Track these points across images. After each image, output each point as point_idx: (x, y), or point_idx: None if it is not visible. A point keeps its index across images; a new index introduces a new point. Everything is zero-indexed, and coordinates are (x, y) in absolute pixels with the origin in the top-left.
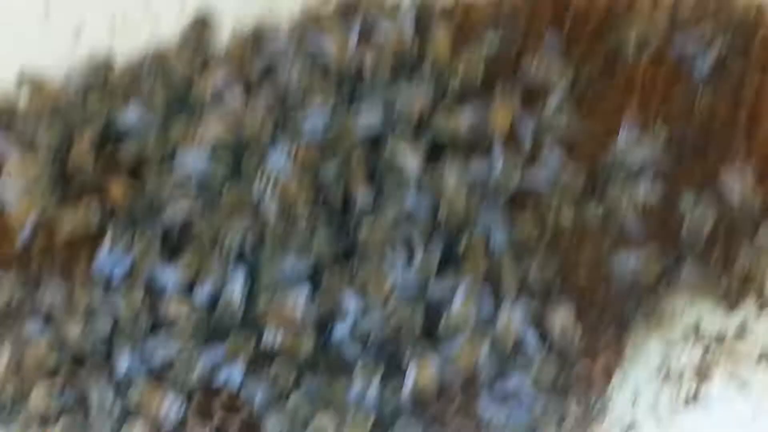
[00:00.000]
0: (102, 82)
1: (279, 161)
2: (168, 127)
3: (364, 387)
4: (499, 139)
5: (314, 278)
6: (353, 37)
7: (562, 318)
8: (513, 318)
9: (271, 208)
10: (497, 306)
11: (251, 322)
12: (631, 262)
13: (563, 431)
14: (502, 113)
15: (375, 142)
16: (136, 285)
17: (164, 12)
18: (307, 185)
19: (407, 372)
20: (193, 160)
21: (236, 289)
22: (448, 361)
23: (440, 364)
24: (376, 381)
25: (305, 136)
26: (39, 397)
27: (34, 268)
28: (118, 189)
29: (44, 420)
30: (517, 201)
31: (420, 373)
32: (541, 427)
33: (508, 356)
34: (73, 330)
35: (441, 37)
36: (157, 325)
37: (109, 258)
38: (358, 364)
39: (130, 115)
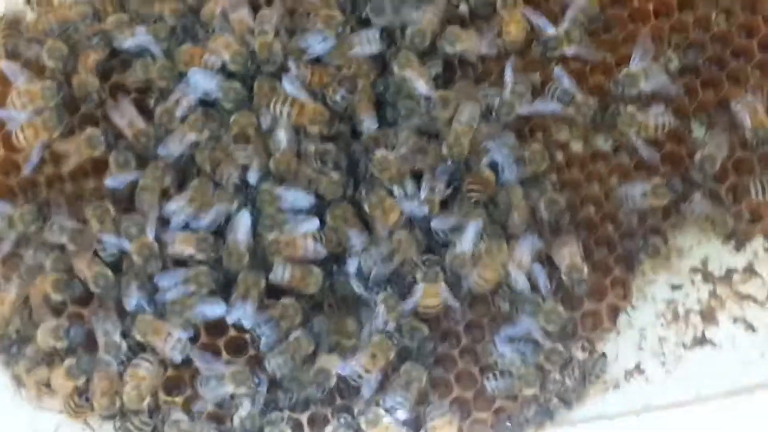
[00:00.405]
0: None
1: (293, 85)
2: (174, 52)
3: (386, 317)
4: (512, 50)
5: (320, 213)
6: None
7: (570, 255)
8: (522, 255)
9: (280, 135)
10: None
11: (258, 259)
12: (639, 192)
13: (568, 374)
14: (514, 25)
15: (385, 66)
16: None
17: None
18: (321, 110)
19: (414, 290)
20: (203, 79)
21: (241, 225)
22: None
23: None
24: (398, 308)
25: (310, 56)
26: (46, 334)
27: (42, 198)
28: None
29: (51, 357)
30: (527, 132)
31: (427, 291)
32: (547, 369)
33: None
34: (82, 264)
35: None
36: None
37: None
38: (380, 296)
39: (137, 38)
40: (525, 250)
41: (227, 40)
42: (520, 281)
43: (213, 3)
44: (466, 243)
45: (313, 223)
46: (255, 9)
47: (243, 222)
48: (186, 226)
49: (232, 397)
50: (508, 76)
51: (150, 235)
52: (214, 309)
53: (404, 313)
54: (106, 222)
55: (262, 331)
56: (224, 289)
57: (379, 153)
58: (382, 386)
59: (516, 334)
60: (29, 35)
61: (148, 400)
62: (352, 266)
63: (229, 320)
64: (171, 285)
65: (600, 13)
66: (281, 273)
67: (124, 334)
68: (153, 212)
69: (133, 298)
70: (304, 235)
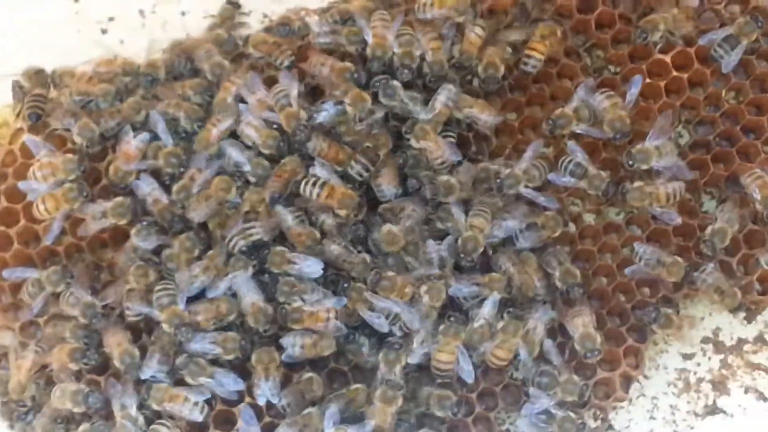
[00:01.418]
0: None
1: (325, 168)
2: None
3: (385, 372)
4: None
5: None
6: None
7: (583, 325)
8: (538, 329)
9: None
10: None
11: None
12: (652, 260)
13: None
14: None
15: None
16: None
17: (194, 7)
18: (350, 194)
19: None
20: (236, 153)
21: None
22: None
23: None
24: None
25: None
26: (65, 397)
27: (62, 265)
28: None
29: (67, 421)
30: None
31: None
32: None
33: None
34: (112, 340)
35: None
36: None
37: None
38: (381, 354)
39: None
40: (541, 325)
41: (255, 123)
42: (530, 359)
43: (224, 92)
44: (485, 313)
45: (340, 302)
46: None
47: (243, 283)
48: (202, 293)
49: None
50: (529, 153)
51: (181, 305)
52: (234, 384)
53: (419, 357)
54: (140, 284)
55: (285, 404)
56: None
57: (386, 227)
58: None
59: (535, 411)
60: (61, 108)
61: None
62: (365, 344)
63: (260, 401)
64: (198, 341)
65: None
66: (295, 347)
67: (140, 405)
68: (184, 283)
69: (151, 369)
70: (327, 309)
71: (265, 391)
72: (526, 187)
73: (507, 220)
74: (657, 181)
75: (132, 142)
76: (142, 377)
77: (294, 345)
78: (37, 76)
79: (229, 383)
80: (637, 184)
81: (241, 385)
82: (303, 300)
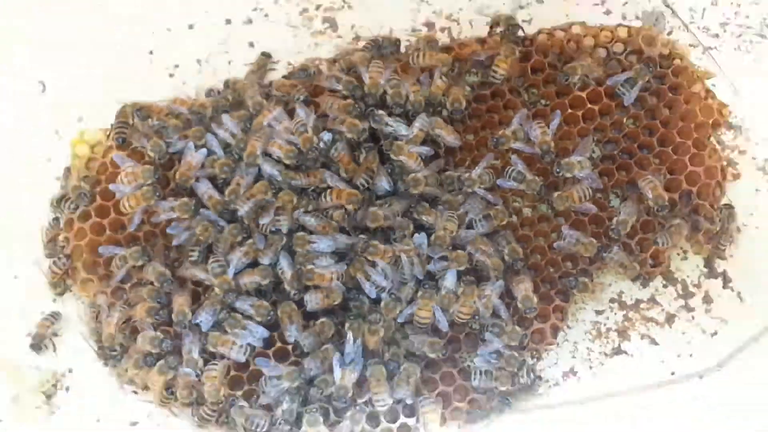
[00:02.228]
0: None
1: (332, 178)
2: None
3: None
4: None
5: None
6: (387, 73)
7: (524, 290)
8: (492, 295)
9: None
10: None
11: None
12: (573, 240)
13: (522, 375)
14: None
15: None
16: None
17: (237, 58)
18: (354, 193)
19: (414, 302)
20: (270, 168)
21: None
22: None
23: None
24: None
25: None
26: (145, 342)
27: (142, 246)
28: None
29: (146, 360)
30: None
31: (422, 305)
32: (505, 374)
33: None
34: (175, 301)
35: (438, 83)
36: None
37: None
38: (382, 303)
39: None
40: (493, 291)
41: (279, 142)
42: (486, 314)
43: (261, 116)
44: (449, 282)
45: (341, 268)
46: (290, 113)
47: (284, 261)
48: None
49: (287, 391)
50: (483, 163)
51: (230, 275)
52: (262, 333)
53: (405, 317)
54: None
55: (306, 343)
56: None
57: (372, 209)
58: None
59: (488, 351)
60: (138, 132)
61: (222, 392)
62: (365, 301)
63: (290, 341)
64: (239, 302)
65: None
66: (312, 301)
67: (202, 350)
68: (234, 258)
69: (201, 318)
70: (332, 272)
71: (292, 332)
72: (480, 187)
73: (470, 229)
74: (571, 187)
75: (195, 156)
76: (194, 322)
77: (311, 300)
78: (123, 109)
79: (258, 332)
80: (556, 194)
81: (266, 334)
82: (314, 265)
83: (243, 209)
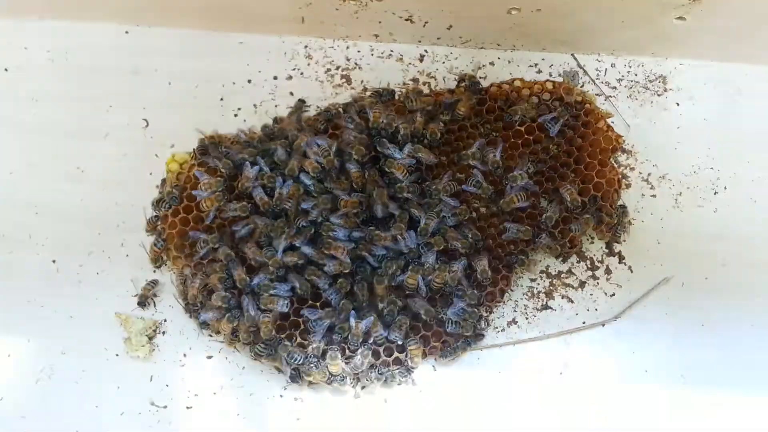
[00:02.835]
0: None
1: (339, 190)
2: (285, 165)
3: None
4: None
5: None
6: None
7: (482, 265)
8: (458, 270)
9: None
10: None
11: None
12: (515, 230)
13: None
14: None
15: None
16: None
17: (282, 103)
18: (356, 201)
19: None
20: (306, 180)
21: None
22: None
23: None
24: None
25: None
26: (218, 300)
27: (218, 233)
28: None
29: (220, 312)
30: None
31: (410, 275)
32: (469, 324)
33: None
34: (235, 274)
35: (418, 121)
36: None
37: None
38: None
39: (276, 155)
40: (459, 267)
41: (311, 161)
42: (453, 283)
43: (299, 141)
44: (429, 259)
45: (350, 245)
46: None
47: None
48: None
49: (331, 328)
50: (445, 178)
51: (279, 255)
52: (287, 290)
53: (398, 282)
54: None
55: (333, 298)
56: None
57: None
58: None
59: (456, 309)
60: (210, 156)
61: (273, 332)
62: (374, 263)
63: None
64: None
65: (493, 144)
66: (330, 266)
67: (257, 306)
68: (281, 244)
69: (257, 280)
70: (343, 247)
71: (321, 284)
72: (443, 195)
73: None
74: (510, 193)
75: (250, 171)
76: (252, 283)
77: (330, 266)
78: (203, 140)
79: (285, 289)
80: (502, 200)
81: (291, 292)
82: (333, 239)
83: (287, 207)
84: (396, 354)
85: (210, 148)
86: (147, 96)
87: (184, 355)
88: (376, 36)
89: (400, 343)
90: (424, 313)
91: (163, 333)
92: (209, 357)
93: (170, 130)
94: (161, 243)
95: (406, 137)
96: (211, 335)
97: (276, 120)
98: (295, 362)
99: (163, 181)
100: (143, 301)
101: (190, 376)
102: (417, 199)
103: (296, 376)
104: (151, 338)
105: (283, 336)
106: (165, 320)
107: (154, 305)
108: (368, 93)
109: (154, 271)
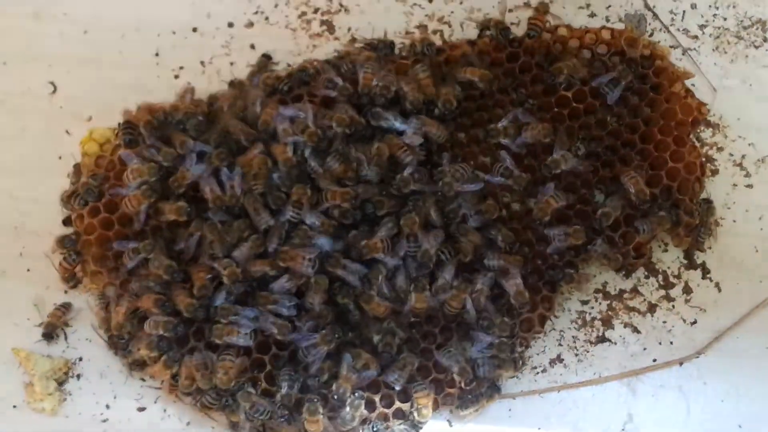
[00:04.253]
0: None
1: (326, 182)
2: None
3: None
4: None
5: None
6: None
7: (516, 285)
8: (484, 289)
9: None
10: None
11: None
12: (561, 236)
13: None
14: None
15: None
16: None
17: (239, 59)
18: (347, 191)
19: (409, 297)
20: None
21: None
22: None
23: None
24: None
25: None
26: (158, 327)
27: (152, 239)
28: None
29: (159, 345)
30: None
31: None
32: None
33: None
34: (177, 297)
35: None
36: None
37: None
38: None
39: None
40: (484, 283)
41: (281, 147)
42: (471, 311)
43: (265, 115)
44: (447, 275)
45: (312, 252)
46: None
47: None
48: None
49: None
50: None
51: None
52: (250, 311)
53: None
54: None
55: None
56: None
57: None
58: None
59: (481, 347)
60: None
61: (233, 382)
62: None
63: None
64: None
65: (531, 115)
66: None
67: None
68: (243, 250)
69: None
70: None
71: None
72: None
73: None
74: (544, 195)
75: (190, 167)
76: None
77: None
78: (129, 112)
79: (248, 313)
80: (534, 206)
81: (254, 313)
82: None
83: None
84: (397, 404)
85: (143, 126)
86: (53, 50)
87: (107, 406)
88: None
89: (397, 388)
90: (458, 372)
91: (78, 376)
92: (141, 409)
93: (86, 98)
94: (74, 256)
95: (415, 105)
96: (143, 379)
97: (232, 83)
98: (260, 417)
99: (77, 167)
100: (50, 332)
101: None
102: (430, 188)
103: None
104: (61, 383)
105: (242, 380)
106: (80, 359)
107: (66, 338)
108: (358, 46)
109: (66, 292)
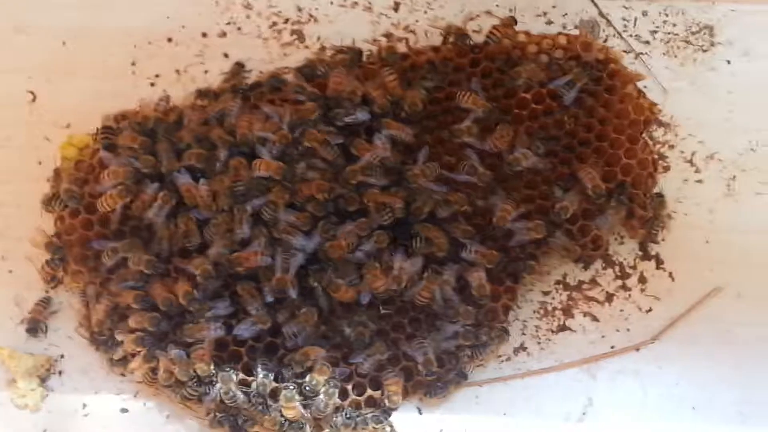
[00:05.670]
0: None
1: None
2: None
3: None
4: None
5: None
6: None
7: (478, 278)
8: (450, 280)
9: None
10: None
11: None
12: (523, 229)
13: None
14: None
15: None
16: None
17: (213, 68)
18: (325, 183)
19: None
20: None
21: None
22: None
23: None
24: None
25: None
26: (143, 322)
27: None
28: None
29: (143, 340)
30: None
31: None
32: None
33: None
34: (156, 289)
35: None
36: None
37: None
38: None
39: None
40: (450, 273)
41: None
42: (439, 300)
43: (241, 127)
44: (415, 265)
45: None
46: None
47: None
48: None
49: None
50: (421, 158)
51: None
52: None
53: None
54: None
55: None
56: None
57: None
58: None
59: (446, 336)
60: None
61: (212, 368)
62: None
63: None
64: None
65: (492, 116)
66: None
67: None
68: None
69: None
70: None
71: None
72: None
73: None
74: (498, 206)
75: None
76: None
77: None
78: (108, 117)
79: (221, 305)
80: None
81: (228, 308)
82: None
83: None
84: (369, 392)
85: (122, 131)
86: (34, 60)
87: (84, 405)
88: None
89: (366, 368)
90: (422, 362)
91: (60, 373)
92: (124, 410)
93: (65, 106)
94: (57, 261)
95: (383, 108)
96: (123, 374)
97: (200, 92)
98: (230, 403)
99: (57, 172)
100: (34, 327)
101: (95, 430)
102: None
103: (237, 427)
104: (43, 380)
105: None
106: (62, 356)
107: (45, 333)
108: (329, 54)
109: (47, 292)
